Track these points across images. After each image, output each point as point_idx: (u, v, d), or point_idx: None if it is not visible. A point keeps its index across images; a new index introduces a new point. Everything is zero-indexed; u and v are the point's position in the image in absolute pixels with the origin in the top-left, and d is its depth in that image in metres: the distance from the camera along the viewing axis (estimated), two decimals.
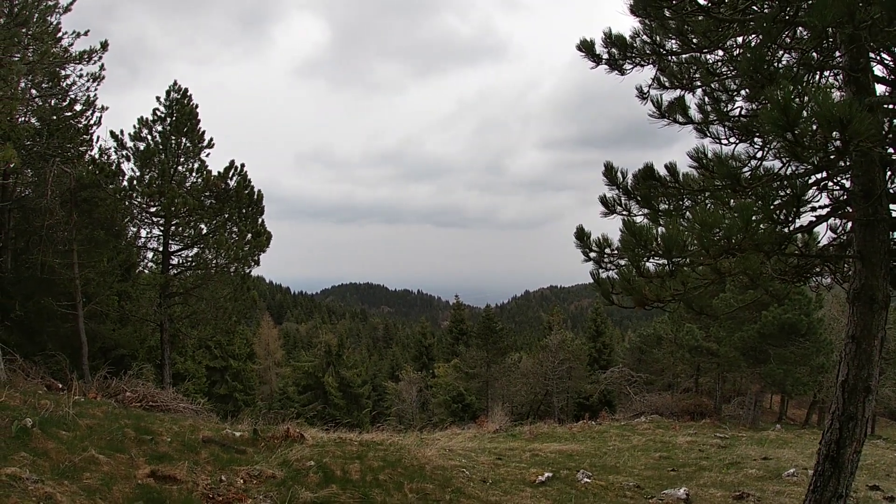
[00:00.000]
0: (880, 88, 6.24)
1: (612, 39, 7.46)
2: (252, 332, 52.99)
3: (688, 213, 6.47)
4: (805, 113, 4.50)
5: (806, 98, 4.63)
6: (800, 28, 6.32)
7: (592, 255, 6.78)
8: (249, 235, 20.59)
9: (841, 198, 6.39)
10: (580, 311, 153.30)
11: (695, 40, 6.81)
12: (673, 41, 7.07)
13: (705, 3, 6.49)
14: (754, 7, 6.43)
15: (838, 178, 6.32)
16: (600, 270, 6.70)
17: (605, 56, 7.58)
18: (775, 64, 6.28)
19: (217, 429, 10.91)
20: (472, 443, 16.63)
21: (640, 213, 7.00)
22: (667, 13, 6.67)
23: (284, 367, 55.25)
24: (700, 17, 6.51)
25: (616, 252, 6.54)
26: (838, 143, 4.68)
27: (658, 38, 7.18)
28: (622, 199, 7.12)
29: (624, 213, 7.09)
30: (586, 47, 7.61)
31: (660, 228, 5.62)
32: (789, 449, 17.24)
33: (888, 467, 14.84)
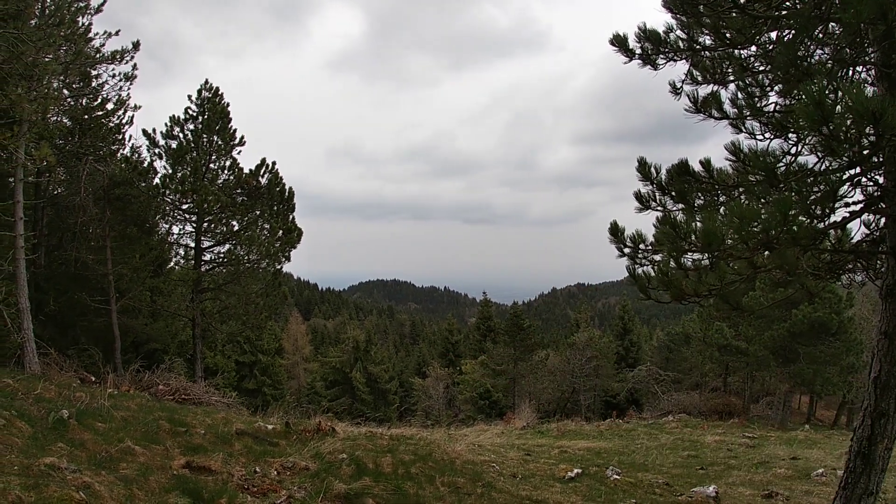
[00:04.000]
0: None
1: (645, 34, 7.44)
2: (280, 328, 53.39)
3: (723, 207, 6.46)
4: (839, 108, 4.51)
5: (840, 93, 4.63)
6: (832, 24, 6.29)
7: (627, 250, 6.78)
8: (280, 232, 20.81)
9: (874, 194, 6.34)
10: (607, 309, 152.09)
11: (728, 36, 6.78)
12: (707, 37, 7.04)
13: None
14: (787, 3, 6.40)
15: (872, 174, 6.28)
16: (635, 266, 6.71)
17: (639, 51, 7.56)
18: (808, 59, 6.26)
19: (249, 422, 11.07)
20: (500, 439, 16.69)
21: (675, 208, 6.99)
22: (701, 9, 6.66)
23: (312, 362, 55.58)
24: (734, 14, 6.48)
25: (650, 247, 6.55)
26: (872, 137, 4.69)
27: (692, 34, 7.16)
28: (656, 194, 7.10)
29: (659, 208, 7.07)
30: (619, 42, 7.60)
31: (697, 223, 5.63)
32: (818, 449, 17.08)
33: None
